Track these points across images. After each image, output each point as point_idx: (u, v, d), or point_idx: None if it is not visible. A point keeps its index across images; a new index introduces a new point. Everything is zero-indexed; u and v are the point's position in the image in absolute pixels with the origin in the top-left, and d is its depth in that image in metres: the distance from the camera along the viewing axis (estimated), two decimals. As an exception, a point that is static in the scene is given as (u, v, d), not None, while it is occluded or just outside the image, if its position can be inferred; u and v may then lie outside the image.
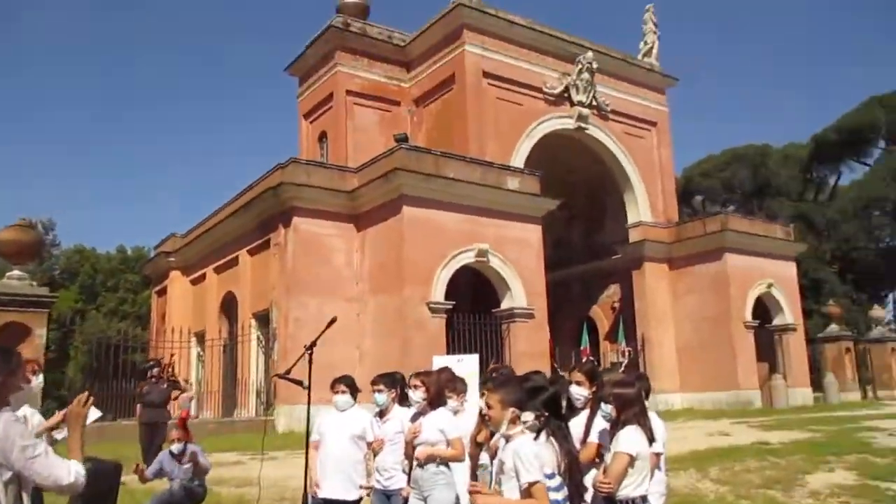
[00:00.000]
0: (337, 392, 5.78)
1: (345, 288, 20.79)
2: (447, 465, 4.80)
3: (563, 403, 4.19)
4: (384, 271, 20.10)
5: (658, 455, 4.42)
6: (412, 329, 19.05)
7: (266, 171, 22.15)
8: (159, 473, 7.65)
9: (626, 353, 25.61)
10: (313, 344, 4.55)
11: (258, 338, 22.31)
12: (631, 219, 27.06)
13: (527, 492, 3.31)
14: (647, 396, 4.76)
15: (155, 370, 11.75)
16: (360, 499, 5.64)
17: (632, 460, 3.80)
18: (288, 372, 4.46)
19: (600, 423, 4.17)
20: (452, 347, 19.33)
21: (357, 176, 21.43)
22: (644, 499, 3.78)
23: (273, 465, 10.98)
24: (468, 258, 20.34)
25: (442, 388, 5.07)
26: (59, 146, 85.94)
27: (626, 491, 3.79)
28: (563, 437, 3.70)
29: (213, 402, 23.84)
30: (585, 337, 25.55)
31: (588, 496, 4.01)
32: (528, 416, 3.63)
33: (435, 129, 25.36)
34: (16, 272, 18.95)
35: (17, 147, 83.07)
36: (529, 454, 3.35)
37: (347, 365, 17.07)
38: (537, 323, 21.43)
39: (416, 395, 5.03)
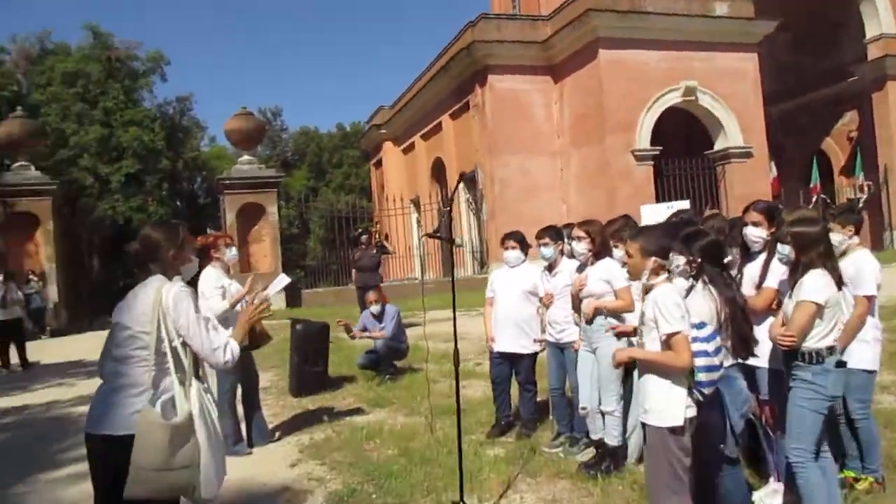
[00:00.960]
0: (507, 248, 5.74)
1: (546, 143, 20.48)
2: (617, 317, 4.61)
3: (727, 249, 3.81)
4: (585, 122, 19.42)
5: (869, 298, 3.93)
6: (617, 179, 18.47)
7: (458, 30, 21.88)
8: (364, 331, 8.28)
9: (867, 188, 22.93)
10: (450, 201, 4.45)
11: (467, 200, 22.90)
12: (870, 32, 23.33)
13: (666, 343, 3.09)
14: (857, 231, 4.19)
15: (364, 237, 12.48)
16: (536, 353, 5.68)
17: (819, 310, 3.35)
18: (437, 231, 4.46)
19: (778, 268, 3.73)
20: (661, 195, 18.54)
21: (549, 24, 20.49)
22: (831, 350, 3.36)
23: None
24: (674, 98, 19.02)
25: (606, 238, 4.81)
26: (277, 35, 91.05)
27: (810, 343, 3.37)
28: (722, 284, 3.37)
29: (434, 263, 25.15)
30: (816, 173, 23.11)
31: (764, 347, 3.68)
32: (679, 261, 3.34)
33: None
34: (245, 157, 20.80)
35: (242, 36, 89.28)
36: (669, 303, 3.10)
37: (554, 220, 17.03)
38: (756, 162, 19.79)
39: (580, 246, 4.83)
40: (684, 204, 13.53)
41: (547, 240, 5.26)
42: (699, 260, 3.42)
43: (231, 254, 5.86)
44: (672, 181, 19.00)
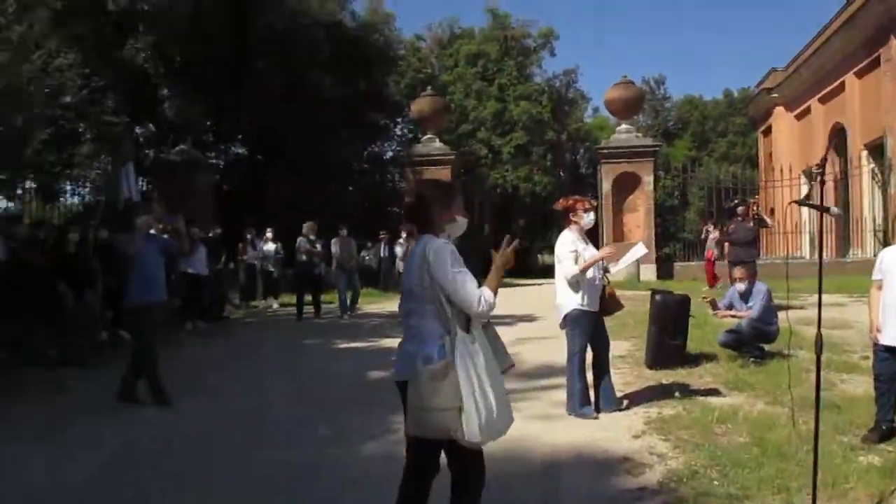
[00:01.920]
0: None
1: (985, 101, 16.86)
2: None
3: None
4: None
5: None
6: None
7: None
8: (730, 309, 7.79)
9: None
10: (822, 165, 3.82)
11: (872, 171, 19.99)
12: None
13: None
14: None
15: (740, 209, 11.68)
16: None
17: None
18: (808, 197, 3.91)
19: None
20: None
21: None
22: None
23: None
24: None
25: None
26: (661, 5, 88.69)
27: None
28: None
29: (827, 241, 22.58)
30: None
31: None
32: None
33: None
34: (623, 126, 20.86)
35: (627, 7, 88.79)
36: None
37: None
38: None
39: None
40: None
41: None
42: None
43: (588, 218, 5.90)
44: None
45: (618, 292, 6.25)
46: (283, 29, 20.87)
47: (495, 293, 3.05)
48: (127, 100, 19.55)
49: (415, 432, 2.97)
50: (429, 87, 24.28)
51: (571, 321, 5.84)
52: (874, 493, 4.06)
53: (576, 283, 5.74)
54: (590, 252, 5.82)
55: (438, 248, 3.03)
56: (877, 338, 5.01)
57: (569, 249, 5.75)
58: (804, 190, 24.31)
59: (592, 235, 17.91)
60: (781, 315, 7.40)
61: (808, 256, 22.19)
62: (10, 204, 18.62)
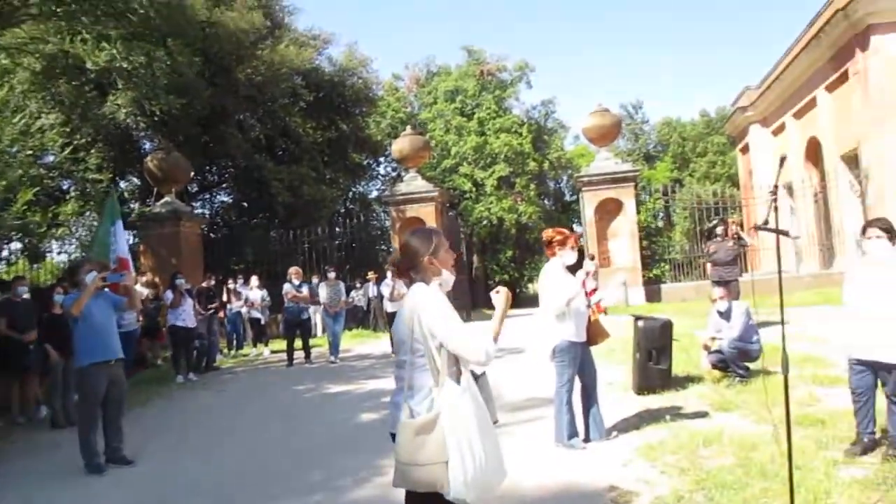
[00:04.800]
0: (870, 238, 5.02)
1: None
2: None
3: None
4: None
5: None
6: None
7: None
8: (718, 331, 7.88)
9: None
10: (773, 191, 3.95)
11: (850, 182, 20.27)
12: None
13: None
14: None
15: (719, 229, 11.84)
16: None
17: None
18: (766, 222, 4.02)
19: None
20: None
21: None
22: None
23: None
24: None
25: None
26: (631, 30, 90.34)
27: None
28: None
29: (811, 254, 22.83)
30: None
31: None
32: None
33: None
34: (602, 153, 21.14)
35: (599, 37, 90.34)
36: None
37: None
38: None
39: None
40: None
41: (879, 232, 4.47)
42: None
43: (572, 256, 5.95)
44: None
45: (607, 318, 6.34)
46: (262, 79, 21.17)
47: (496, 341, 2.99)
48: (109, 156, 19.72)
49: (400, 485, 2.96)
50: (408, 126, 24.52)
51: (559, 352, 5.91)
52: (857, 506, 4.13)
53: (562, 315, 5.82)
54: (573, 284, 5.89)
55: (430, 297, 2.99)
56: (851, 352, 5.11)
57: (555, 282, 5.83)
58: (784, 205, 24.60)
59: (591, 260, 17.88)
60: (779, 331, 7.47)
61: (794, 270, 22.40)
62: (-3, 266, 18.61)
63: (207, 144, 21.48)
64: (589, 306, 6.07)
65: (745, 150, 29.76)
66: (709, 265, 11.86)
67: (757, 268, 23.55)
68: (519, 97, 38.62)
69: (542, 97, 52.48)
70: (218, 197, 27.80)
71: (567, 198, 42.71)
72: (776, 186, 4.04)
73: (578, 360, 5.93)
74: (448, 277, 3.15)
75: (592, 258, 17.45)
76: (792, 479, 3.75)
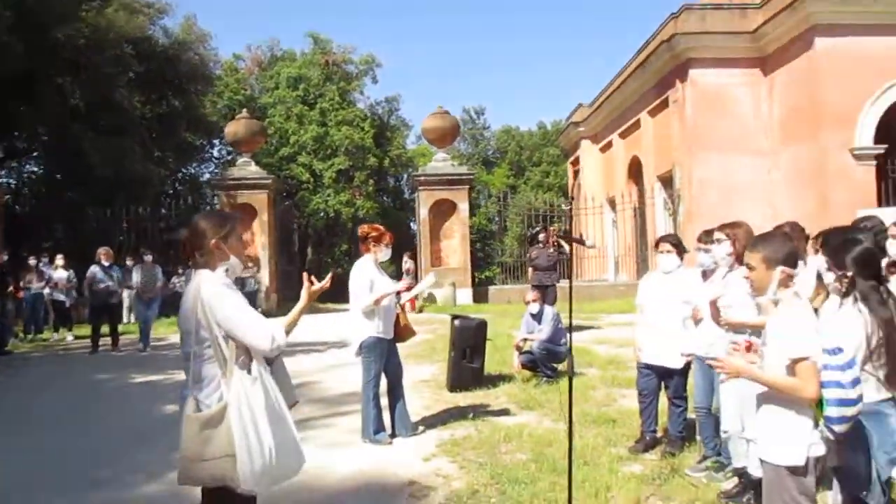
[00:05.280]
0: (661, 252, 5.37)
1: (752, 141, 18.98)
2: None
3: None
4: (797, 117, 17.76)
5: None
6: (832, 181, 16.68)
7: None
8: (531, 332, 8.16)
9: None
10: (570, 203, 4.18)
11: (664, 200, 21.91)
12: None
13: (791, 369, 2.68)
14: None
15: (542, 236, 12.33)
16: (687, 366, 5.23)
17: None
18: (566, 232, 4.21)
19: None
20: (887, 200, 16.53)
21: (760, 12, 18.95)
22: None
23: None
24: (904, 91, 16.82)
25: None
26: (483, 35, 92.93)
27: None
28: (877, 302, 2.88)
29: (627, 265, 24.39)
30: None
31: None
32: (828, 278, 2.90)
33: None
34: (440, 154, 21.44)
35: (452, 36, 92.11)
36: (797, 322, 2.69)
37: (757, 225, 15.77)
38: None
39: (721, 249, 4.40)
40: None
41: (708, 245, 4.83)
42: (850, 273, 2.97)
43: (385, 253, 5.98)
44: (899, 184, 16.88)
45: (421, 315, 6.38)
46: (85, 43, 19.57)
47: (290, 331, 2.87)
48: None
49: (186, 483, 2.77)
50: (244, 110, 23.59)
51: (366, 349, 5.87)
52: (634, 498, 4.37)
53: (370, 312, 5.78)
54: (383, 281, 5.89)
55: (215, 286, 2.79)
56: (639, 356, 5.45)
57: (365, 279, 5.79)
58: (607, 218, 26.22)
59: (411, 259, 17.93)
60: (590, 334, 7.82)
61: (612, 279, 23.86)
62: None
63: (17, 107, 19.54)
64: (399, 304, 6.07)
65: (576, 163, 31.35)
66: (530, 269, 12.32)
67: (582, 276, 24.88)
68: (364, 91, 38.59)
69: (387, 94, 52.57)
70: (27, 166, 25.42)
71: (406, 196, 43.11)
72: (572, 199, 4.23)
73: (385, 357, 5.93)
74: (236, 263, 2.95)
75: (411, 256, 17.58)
76: (571, 474, 3.89)
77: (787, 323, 2.74)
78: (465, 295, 19.95)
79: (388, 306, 5.89)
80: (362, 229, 6.09)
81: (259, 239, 20.43)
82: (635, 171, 24.66)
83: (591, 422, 6.26)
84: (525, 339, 8.15)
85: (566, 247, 11.89)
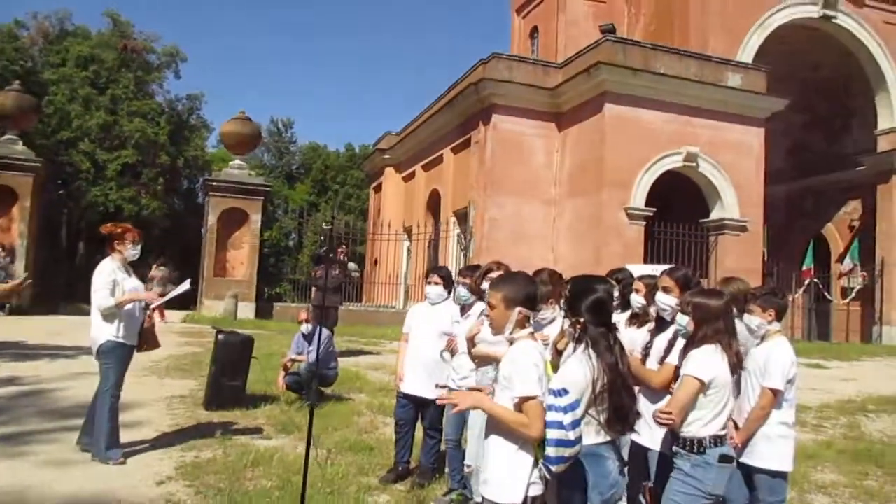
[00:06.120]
0: (430, 283, 5.36)
1: (543, 189, 20.14)
2: None
3: (614, 307, 3.43)
4: (583, 173, 19.11)
5: (775, 392, 3.53)
6: (608, 234, 18.08)
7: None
8: (300, 353, 7.85)
9: (861, 279, 22.60)
10: (330, 223, 4.09)
11: (458, 235, 22.55)
12: (882, 125, 23.15)
13: (517, 407, 2.70)
14: (778, 317, 3.73)
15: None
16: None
17: (702, 387, 2.99)
18: (328, 252, 4.05)
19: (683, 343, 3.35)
20: (651, 257, 18.15)
21: (561, 72, 20.30)
22: (716, 440, 2.97)
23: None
24: (675, 162, 18.70)
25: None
26: (301, 49, 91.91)
27: (692, 428, 3.02)
28: (605, 348, 2.95)
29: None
30: (810, 257, 22.79)
31: (648, 426, 3.29)
32: (546, 315, 2.94)
33: (653, 23, 23.15)
34: (236, 161, 20.56)
35: (263, 45, 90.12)
36: (527, 362, 2.72)
37: (541, 266, 16.68)
38: (750, 237, 19.41)
39: (462, 289, 4.50)
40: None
41: (468, 280, 4.87)
42: (582, 320, 3.04)
43: (133, 251, 5.51)
44: (663, 244, 18.60)
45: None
46: None
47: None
48: None
49: None
50: (17, 82, 21.12)
51: (104, 353, 5.29)
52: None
53: (111, 314, 5.22)
54: (130, 283, 5.36)
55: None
56: (399, 385, 5.36)
57: (107, 279, 5.26)
58: (403, 246, 26.51)
59: (195, 266, 16.91)
60: (366, 360, 7.62)
61: (401, 306, 24.05)
62: None
63: None
64: (146, 310, 5.56)
65: (379, 188, 31.52)
66: (314, 289, 12.01)
67: (373, 301, 24.85)
68: (164, 84, 36.28)
69: (189, 90, 49.88)
70: None
71: (199, 199, 40.98)
72: (333, 218, 4.07)
73: (127, 364, 5.38)
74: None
75: (162, 264, 16.56)
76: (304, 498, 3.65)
77: (516, 362, 2.74)
78: (247, 309, 19.11)
79: (133, 310, 5.37)
80: (105, 228, 5.61)
81: (17, 226, 18.30)
82: (434, 203, 25.21)
83: (347, 448, 6.06)
84: (293, 360, 7.83)
85: (353, 271, 11.74)
